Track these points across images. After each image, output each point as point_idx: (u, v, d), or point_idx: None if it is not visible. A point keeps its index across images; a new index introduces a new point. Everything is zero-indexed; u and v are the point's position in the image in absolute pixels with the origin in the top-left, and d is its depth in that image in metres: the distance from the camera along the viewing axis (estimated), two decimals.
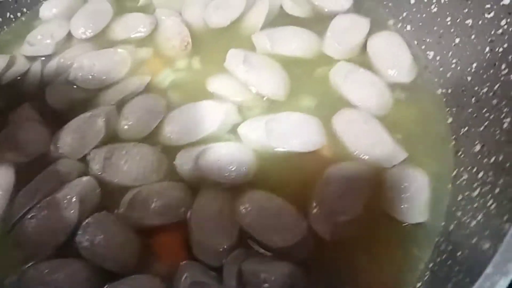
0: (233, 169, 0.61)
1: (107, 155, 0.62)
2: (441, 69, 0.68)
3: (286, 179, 0.62)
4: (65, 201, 0.59)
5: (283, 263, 0.54)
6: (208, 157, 0.62)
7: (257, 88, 0.69)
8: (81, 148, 0.65)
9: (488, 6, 0.57)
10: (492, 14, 0.57)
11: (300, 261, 0.55)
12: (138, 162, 0.63)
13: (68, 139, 0.66)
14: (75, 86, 0.73)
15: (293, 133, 0.63)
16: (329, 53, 0.73)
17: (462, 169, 0.59)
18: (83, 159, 0.64)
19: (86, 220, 0.57)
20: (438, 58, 0.69)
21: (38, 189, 0.62)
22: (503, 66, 0.55)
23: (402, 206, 0.58)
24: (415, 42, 0.74)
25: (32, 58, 0.80)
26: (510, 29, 0.54)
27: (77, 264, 0.55)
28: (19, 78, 0.78)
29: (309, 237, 0.57)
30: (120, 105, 0.70)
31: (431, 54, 0.71)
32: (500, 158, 0.51)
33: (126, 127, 0.67)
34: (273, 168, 0.62)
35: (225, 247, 0.56)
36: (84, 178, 0.62)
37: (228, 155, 0.62)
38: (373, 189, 0.60)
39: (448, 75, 0.67)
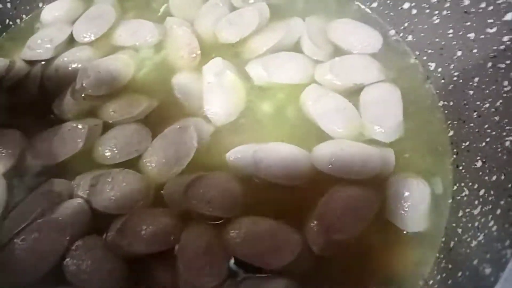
0: (222, 200, 0.59)
1: (93, 182, 0.61)
2: (442, 81, 0.68)
3: (276, 208, 0.60)
4: (56, 224, 0.58)
5: (278, 280, 0.54)
6: (196, 189, 0.60)
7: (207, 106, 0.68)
8: (55, 157, 0.65)
9: (491, 21, 0.57)
10: (494, 30, 0.57)
11: (298, 276, 0.55)
12: (123, 189, 0.61)
13: (45, 145, 0.66)
14: (82, 95, 0.73)
15: (281, 166, 0.61)
16: (319, 80, 0.70)
17: (463, 184, 0.59)
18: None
19: (76, 243, 0.57)
20: (439, 70, 0.69)
21: (30, 209, 0.61)
22: (505, 83, 0.54)
23: (402, 215, 0.58)
24: (417, 53, 0.73)
25: (32, 63, 0.79)
26: None
27: None
28: (18, 82, 0.77)
29: (306, 251, 0.56)
30: (110, 125, 0.69)
31: (432, 65, 0.70)
32: (502, 178, 0.50)
33: (102, 152, 0.65)
34: (262, 197, 0.61)
35: (214, 285, 0.55)
36: (76, 202, 0.60)
37: (217, 186, 0.60)
38: (376, 211, 0.59)
39: (450, 87, 0.66)
